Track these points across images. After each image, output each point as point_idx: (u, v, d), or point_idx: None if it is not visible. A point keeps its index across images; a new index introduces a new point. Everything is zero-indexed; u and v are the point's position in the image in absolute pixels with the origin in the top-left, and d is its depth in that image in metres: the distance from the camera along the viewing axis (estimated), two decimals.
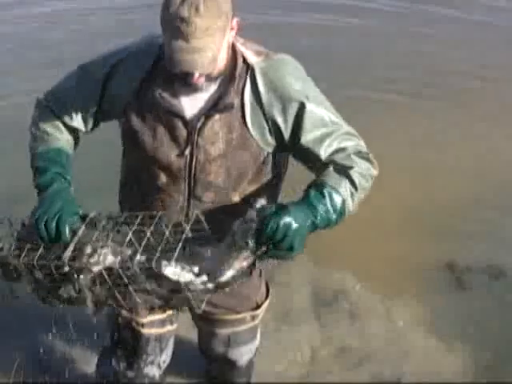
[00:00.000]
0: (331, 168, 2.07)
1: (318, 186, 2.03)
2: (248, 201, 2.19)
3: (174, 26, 1.86)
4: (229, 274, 1.92)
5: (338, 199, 2.02)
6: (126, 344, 2.61)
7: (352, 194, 2.07)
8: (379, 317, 3.65)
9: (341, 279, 3.89)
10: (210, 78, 2.02)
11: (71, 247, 1.95)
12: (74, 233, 1.98)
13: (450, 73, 6.40)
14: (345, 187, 2.05)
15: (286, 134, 2.12)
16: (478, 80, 6.24)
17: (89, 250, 1.94)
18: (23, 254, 1.98)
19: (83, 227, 1.99)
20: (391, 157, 4.84)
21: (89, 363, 3.01)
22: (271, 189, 2.31)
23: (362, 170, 2.10)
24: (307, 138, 2.10)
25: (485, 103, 5.83)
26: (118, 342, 2.64)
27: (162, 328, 2.60)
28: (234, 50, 2.10)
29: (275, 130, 2.12)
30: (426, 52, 6.88)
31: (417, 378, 3.23)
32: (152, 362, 2.66)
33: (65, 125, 2.27)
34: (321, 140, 2.10)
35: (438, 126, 5.44)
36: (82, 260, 1.93)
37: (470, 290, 3.83)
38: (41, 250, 1.98)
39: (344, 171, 2.06)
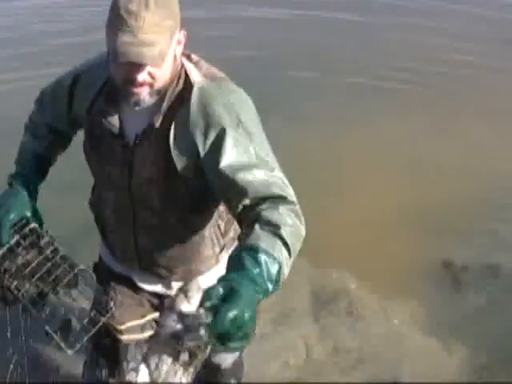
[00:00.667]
0: (258, 227, 1.77)
1: (251, 252, 1.70)
2: (190, 230, 2.18)
3: (122, 20, 1.77)
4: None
5: (274, 267, 1.69)
6: (107, 352, 2.58)
7: (287, 258, 1.75)
8: (377, 316, 3.63)
9: (339, 279, 3.86)
10: (152, 92, 1.93)
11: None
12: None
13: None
14: (280, 251, 1.73)
15: (203, 156, 1.95)
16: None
17: None
18: None
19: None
20: (388, 155, 4.85)
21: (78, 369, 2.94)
22: (212, 223, 2.23)
23: (293, 229, 1.79)
24: (227, 161, 1.90)
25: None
26: (100, 350, 2.61)
27: (141, 333, 2.54)
28: (180, 65, 2.01)
29: (193, 152, 1.97)
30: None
31: (414, 378, 3.19)
32: (134, 369, 2.60)
33: (47, 125, 2.31)
34: (244, 168, 1.89)
35: (436, 121, 5.40)
36: None
37: (467, 289, 3.79)
38: None
39: (274, 231, 1.75)
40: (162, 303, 2.47)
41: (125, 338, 2.51)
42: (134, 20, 1.76)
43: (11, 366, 2.74)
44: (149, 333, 2.55)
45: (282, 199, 1.85)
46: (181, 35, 1.91)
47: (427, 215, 4.28)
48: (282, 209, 1.82)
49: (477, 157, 4.93)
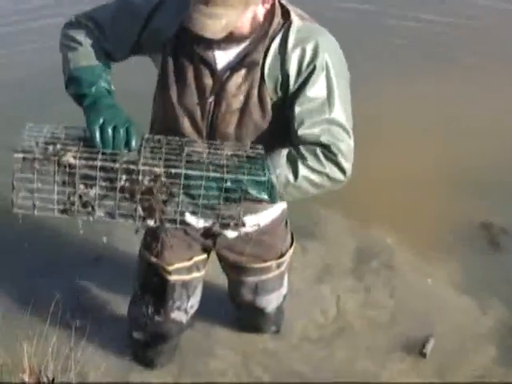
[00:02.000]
0: (286, 152, 2.11)
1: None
2: None
3: None
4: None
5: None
6: (154, 290, 2.70)
7: (287, 184, 2.09)
8: (413, 274, 3.65)
9: (378, 235, 3.90)
10: (233, 40, 2.06)
11: (142, 153, 1.95)
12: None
13: None
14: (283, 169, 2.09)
15: (290, 92, 2.13)
16: None
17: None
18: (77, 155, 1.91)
19: (144, 141, 2.01)
20: (428, 114, 4.86)
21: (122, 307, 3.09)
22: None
23: (317, 167, 2.10)
24: (307, 104, 2.11)
25: None
26: (147, 288, 2.73)
27: (188, 275, 2.67)
28: (272, 11, 2.12)
29: (284, 84, 2.13)
30: None
31: (448, 334, 3.23)
32: (179, 308, 2.74)
33: (101, 47, 2.24)
34: (315, 119, 2.10)
35: (471, 83, 5.36)
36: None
37: (505, 252, 3.80)
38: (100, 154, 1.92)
39: (294, 159, 2.10)
40: (214, 243, 2.58)
41: (172, 278, 2.63)
42: None
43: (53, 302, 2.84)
44: (195, 274, 2.68)
45: (323, 146, 2.10)
46: None
47: (467, 175, 4.27)
48: (319, 152, 2.10)
49: None
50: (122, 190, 1.94)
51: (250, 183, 1.96)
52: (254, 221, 2.36)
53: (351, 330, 3.30)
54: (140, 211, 1.97)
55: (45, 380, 2.37)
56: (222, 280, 2.95)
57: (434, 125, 4.77)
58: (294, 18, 2.13)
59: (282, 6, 2.16)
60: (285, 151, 2.11)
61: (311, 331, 3.28)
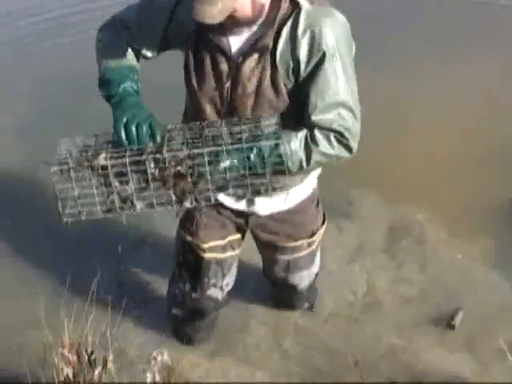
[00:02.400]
0: (302, 134, 2.22)
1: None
2: None
3: None
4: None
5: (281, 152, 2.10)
6: (190, 268, 2.82)
7: (300, 167, 2.25)
8: (444, 250, 3.72)
9: (410, 212, 3.98)
10: (240, 23, 2.17)
11: (166, 142, 2.07)
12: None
13: None
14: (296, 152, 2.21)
15: (301, 78, 2.23)
16: None
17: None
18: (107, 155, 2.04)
19: (167, 134, 2.12)
20: (458, 94, 4.92)
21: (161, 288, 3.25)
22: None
23: (328, 151, 2.23)
24: (317, 88, 2.20)
25: None
26: (184, 266, 2.85)
27: (223, 253, 2.78)
28: None
29: (296, 69, 2.22)
30: None
31: (478, 308, 3.29)
32: (215, 285, 2.85)
33: (131, 48, 2.39)
34: (327, 103, 2.20)
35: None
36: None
37: None
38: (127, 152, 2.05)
39: (308, 145, 2.22)
40: (246, 222, 2.70)
41: (207, 256, 2.75)
42: None
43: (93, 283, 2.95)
44: (229, 253, 2.79)
45: (335, 132, 2.22)
46: None
47: (498, 153, 4.32)
48: (332, 137, 2.22)
49: None
50: (154, 179, 2.05)
51: (267, 149, 2.05)
52: (283, 193, 2.50)
53: (380, 306, 3.39)
54: (173, 196, 2.08)
55: (84, 354, 2.49)
56: (258, 258, 3.04)
57: (463, 103, 4.81)
58: (302, 2, 2.20)
59: None
60: (301, 134, 2.22)
61: (342, 308, 3.38)
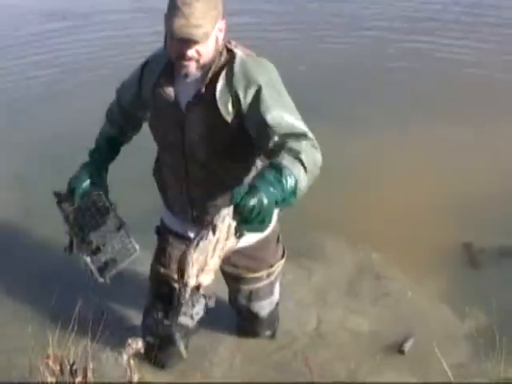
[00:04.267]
0: (282, 152, 2.34)
1: (275, 167, 2.27)
2: (235, 179, 2.68)
3: (179, 8, 2.38)
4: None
5: (292, 179, 2.25)
6: (163, 297, 3.10)
7: (304, 176, 2.32)
8: (397, 287, 4.04)
9: (367, 255, 4.31)
10: (198, 66, 2.51)
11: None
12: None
13: None
14: (298, 169, 2.30)
15: (245, 108, 2.52)
16: None
17: None
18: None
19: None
20: (418, 158, 5.30)
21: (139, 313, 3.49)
22: (250, 169, 2.75)
23: (311, 157, 2.36)
24: (263, 108, 2.47)
25: None
26: (157, 296, 3.15)
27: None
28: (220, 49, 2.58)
29: (236, 102, 2.54)
30: None
31: (426, 336, 3.54)
32: (185, 314, 3.13)
33: (123, 110, 2.96)
34: (276, 113, 2.46)
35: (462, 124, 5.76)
36: None
37: (483, 268, 4.16)
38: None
39: (295, 156, 2.33)
40: None
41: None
42: (187, 8, 2.37)
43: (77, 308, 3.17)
44: None
45: (303, 135, 2.43)
46: (222, 24, 2.51)
47: (453, 205, 4.66)
48: (303, 141, 2.40)
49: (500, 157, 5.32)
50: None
51: None
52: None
53: (335, 334, 3.67)
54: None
55: (66, 364, 2.77)
56: (225, 292, 3.35)
57: (426, 165, 5.21)
58: (237, 52, 2.59)
59: (227, 46, 2.62)
60: (282, 155, 2.34)
61: (300, 336, 3.66)
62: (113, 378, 3.16)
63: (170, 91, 2.65)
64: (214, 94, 2.54)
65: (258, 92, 2.49)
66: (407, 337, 3.58)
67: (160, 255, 3.10)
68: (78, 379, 2.76)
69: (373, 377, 3.38)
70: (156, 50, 2.79)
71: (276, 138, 2.43)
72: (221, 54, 2.58)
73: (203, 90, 2.57)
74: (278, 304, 3.41)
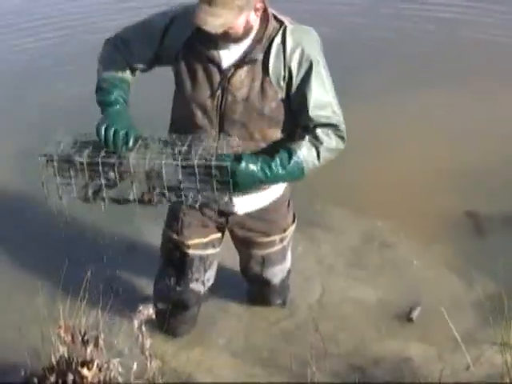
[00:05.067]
0: (306, 138, 2.62)
1: (288, 154, 2.58)
2: (267, 141, 2.72)
3: None
4: None
5: (287, 156, 2.56)
6: (175, 263, 3.12)
7: (313, 159, 2.61)
8: (403, 255, 4.08)
9: (373, 224, 4.33)
10: (228, 39, 2.52)
11: (134, 151, 2.48)
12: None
13: None
14: (308, 152, 2.59)
15: (293, 84, 2.61)
16: None
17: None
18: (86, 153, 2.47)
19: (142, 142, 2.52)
20: (425, 122, 5.30)
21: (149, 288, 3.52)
22: (284, 136, 2.76)
23: (331, 146, 2.63)
24: (309, 90, 2.59)
25: None
26: (169, 262, 3.16)
27: (204, 250, 3.10)
28: (266, 18, 2.59)
29: (288, 77, 2.60)
30: None
31: (432, 307, 3.51)
32: (197, 280, 3.16)
33: (126, 61, 2.76)
34: (318, 101, 2.60)
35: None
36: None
37: (488, 235, 4.20)
38: (102, 152, 2.46)
39: (316, 146, 2.61)
40: (227, 221, 3.03)
41: (191, 252, 3.06)
42: None
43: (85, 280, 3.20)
44: (211, 251, 3.11)
45: (334, 127, 2.63)
46: (257, 5, 2.50)
47: (458, 172, 4.67)
48: (332, 134, 2.63)
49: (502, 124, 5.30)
50: (121, 179, 2.48)
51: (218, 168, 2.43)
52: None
53: (343, 304, 3.71)
54: (133, 195, 2.52)
55: (78, 334, 2.78)
56: (236, 262, 3.39)
57: (433, 131, 5.21)
58: (287, 23, 2.61)
59: (275, 16, 2.62)
60: (303, 143, 2.61)
61: (308, 306, 3.70)
62: (124, 346, 3.18)
63: (212, 50, 2.61)
64: (265, 63, 2.59)
65: (310, 69, 2.59)
66: (415, 305, 3.61)
67: (172, 221, 3.10)
68: (90, 348, 2.78)
69: (382, 345, 3.41)
70: (185, 4, 2.70)
71: (309, 124, 2.63)
72: (267, 22, 2.59)
73: (255, 56, 2.59)
74: (289, 272, 3.43)
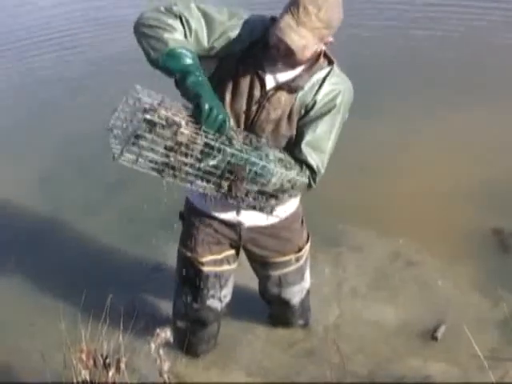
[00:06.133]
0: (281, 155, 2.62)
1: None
2: None
3: (298, 10, 2.35)
4: None
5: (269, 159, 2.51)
6: (191, 281, 3.14)
7: (281, 173, 2.54)
8: (428, 274, 4.05)
9: (398, 243, 4.30)
10: (287, 62, 2.52)
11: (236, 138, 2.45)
12: None
13: None
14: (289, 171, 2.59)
15: (309, 114, 2.65)
16: None
17: None
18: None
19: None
20: (447, 139, 5.27)
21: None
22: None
23: (298, 181, 2.62)
24: (313, 130, 2.65)
25: None
26: (185, 280, 3.18)
27: (220, 267, 3.11)
28: (319, 52, 2.58)
29: (310, 106, 2.64)
30: None
31: (456, 326, 3.48)
32: (213, 296, 3.17)
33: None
34: (316, 145, 2.66)
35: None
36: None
37: None
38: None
39: (290, 168, 2.60)
40: (239, 237, 3.03)
41: (205, 269, 3.07)
42: (304, 15, 2.36)
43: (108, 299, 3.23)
44: (226, 267, 3.12)
45: (311, 170, 2.67)
46: (329, 39, 2.50)
47: (483, 191, 4.61)
48: (306, 171, 2.66)
49: None
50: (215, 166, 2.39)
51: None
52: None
53: (365, 326, 3.68)
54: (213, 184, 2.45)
55: (99, 358, 2.81)
56: (255, 282, 3.39)
57: (457, 147, 5.18)
58: (335, 65, 2.65)
59: (325, 53, 2.63)
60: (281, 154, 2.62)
61: (332, 324, 3.69)
62: (146, 369, 3.21)
63: (261, 65, 2.59)
64: (300, 90, 2.62)
65: (329, 110, 2.64)
66: (439, 323, 3.59)
67: (186, 239, 3.12)
68: (112, 372, 2.79)
69: (404, 364, 3.38)
70: (255, 14, 2.63)
71: (295, 152, 2.67)
72: (319, 56, 2.61)
73: (299, 83, 2.61)
74: (308, 292, 3.43)
